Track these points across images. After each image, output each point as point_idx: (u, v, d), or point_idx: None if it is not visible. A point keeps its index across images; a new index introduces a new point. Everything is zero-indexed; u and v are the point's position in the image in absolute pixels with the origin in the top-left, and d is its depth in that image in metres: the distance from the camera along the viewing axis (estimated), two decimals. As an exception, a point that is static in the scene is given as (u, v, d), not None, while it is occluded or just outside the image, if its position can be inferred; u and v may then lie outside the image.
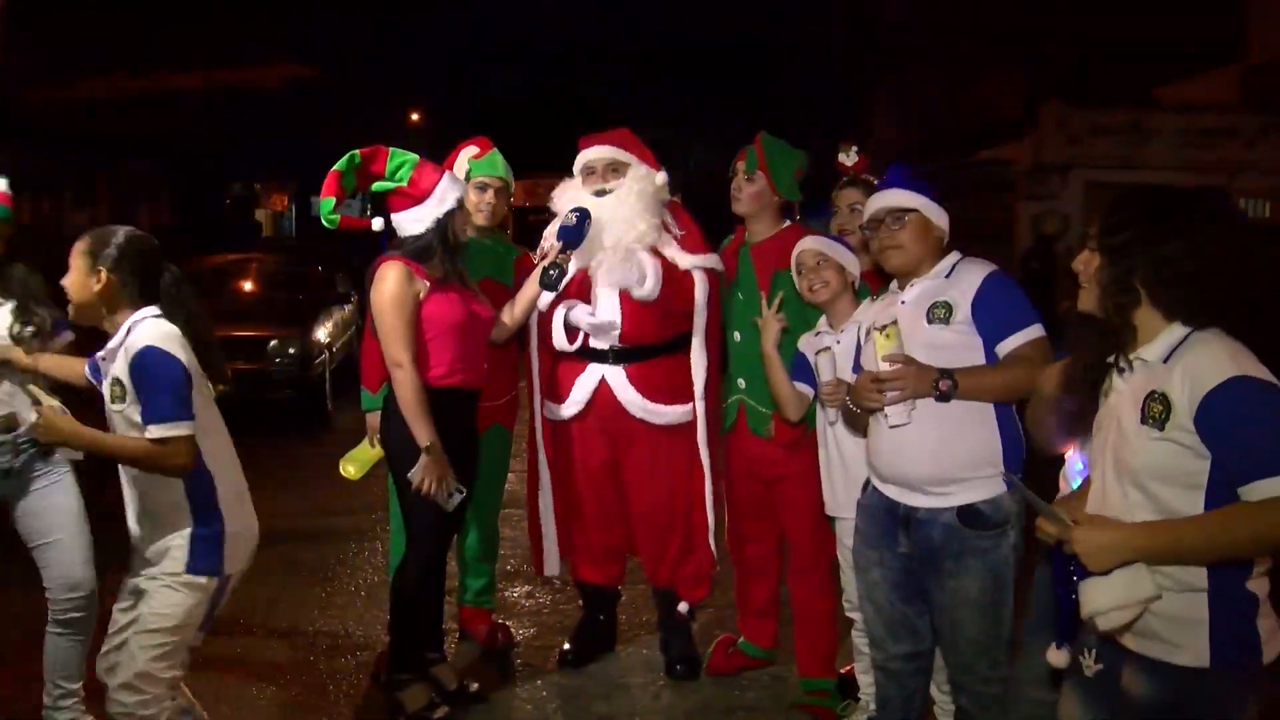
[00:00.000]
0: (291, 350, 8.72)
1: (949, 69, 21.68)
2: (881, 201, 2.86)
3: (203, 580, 2.63)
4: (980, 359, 2.71)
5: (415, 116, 27.58)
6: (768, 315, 3.37)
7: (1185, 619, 1.89)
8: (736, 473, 3.72)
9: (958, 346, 2.70)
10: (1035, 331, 2.70)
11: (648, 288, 3.54)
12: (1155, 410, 1.88)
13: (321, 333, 9.15)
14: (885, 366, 2.66)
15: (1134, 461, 1.92)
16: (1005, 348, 2.70)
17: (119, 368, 2.57)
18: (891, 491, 2.80)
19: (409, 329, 3.24)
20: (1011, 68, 20.60)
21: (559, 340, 3.67)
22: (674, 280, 3.60)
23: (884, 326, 2.83)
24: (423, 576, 3.43)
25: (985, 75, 21.17)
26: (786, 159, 3.62)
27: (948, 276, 2.79)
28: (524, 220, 14.24)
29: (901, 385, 2.64)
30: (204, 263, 10.53)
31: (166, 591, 2.61)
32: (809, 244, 3.32)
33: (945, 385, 2.63)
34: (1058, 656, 2.09)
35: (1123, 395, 1.98)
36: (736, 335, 3.67)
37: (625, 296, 3.59)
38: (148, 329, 2.58)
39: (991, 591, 2.70)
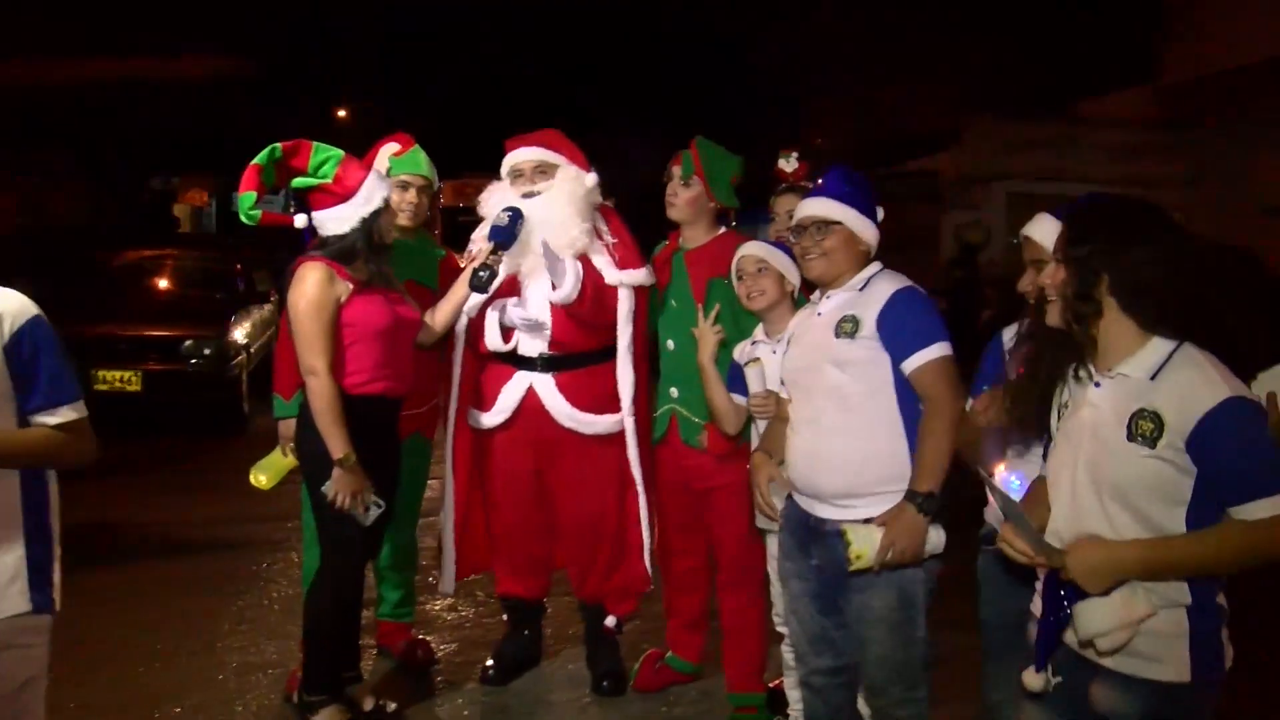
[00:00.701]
0: (207, 350, 8.43)
1: (879, 80, 21.99)
2: (808, 209, 2.82)
3: (47, 620, 2.10)
4: (887, 374, 2.68)
5: (342, 113, 27.08)
6: (704, 327, 3.29)
7: (1168, 634, 1.89)
8: (667, 484, 3.62)
9: (863, 362, 2.66)
10: (938, 351, 2.65)
11: (563, 292, 3.41)
12: (1145, 428, 1.88)
13: (239, 333, 8.85)
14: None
15: (1118, 477, 1.91)
16: (909, 366, 2.66)
17: None
18: (804, 503, 2.80)
19: (326, 334, 3.09)
20: (940, 80, 20.97)
21: (492, 340, 3.55)
22: (600, 293, 3.49)
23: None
24: (337, 594, 3.27)
25: (914, 87, 21.52)
26: (723, 164, 3.54)
27: (862, 289, 2.75)
28: (455, 221, 14.06)
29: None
30: (117, 259, 10.18)
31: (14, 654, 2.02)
32: (750, 250, 3.25)
33: None
34: (1036, 680, 2.03)
35: (1100, 410, 1.96)
36: (670, 343, 3.58)
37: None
38: (12, 298, 2.05)
39: (899, 610, 2.67)
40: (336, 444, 3.08)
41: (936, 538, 2.61)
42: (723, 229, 3.61)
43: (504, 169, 3.64)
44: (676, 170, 3.54)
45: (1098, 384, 1.98)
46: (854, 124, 21.15)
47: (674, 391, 3.56)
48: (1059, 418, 2.06)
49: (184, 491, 6.50)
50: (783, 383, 2.90)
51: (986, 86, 19.64)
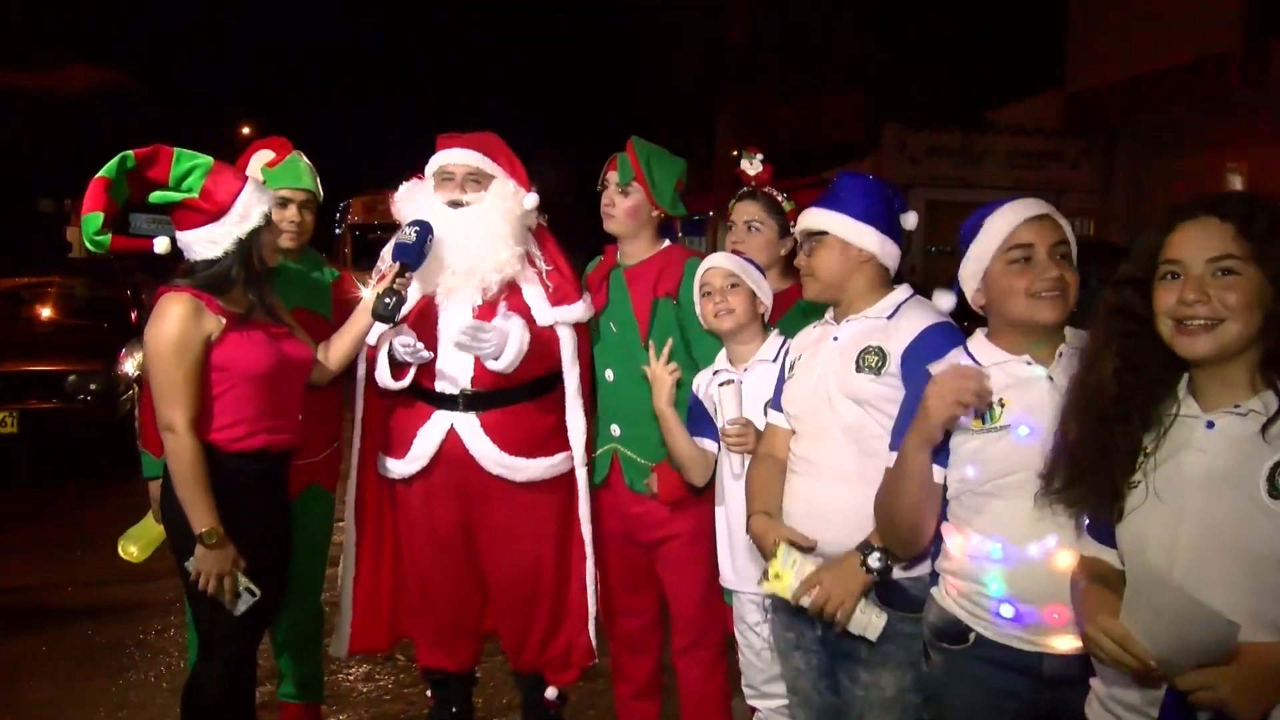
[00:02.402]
0: (93, 386, 7.69)
1: (793, 91, 21.97)
2: (800, 223, 2.49)
3: None
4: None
5: (246, 130, 26.05)
6: (657, 368, 2.84)
7: None
8: (610, 535, 3.17)
9: (886, 402, 2.25)
10: None
11: (504, 362, 2.94)
12: None
13: (130, 365, 8.09)
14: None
15: (1255, 543, 1.50)
16: None
17: None
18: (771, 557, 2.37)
19: (189, 382, 2.57)
20: (853, 90, 21.02)
21: (382, 377, 3.04)
22: (534, 334, 3.01)
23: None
24: (219, 692, 2.71)
25: (828, 97, 21.54)
26: (666, 168, 3.11)
27: (890, 317, 2.36)
28: (364, 240, 13.33)
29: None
30: (-9, 287, 9.39)
31: None
32: (720, 262, 2.84)
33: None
34: None
35: (1215, 456, 1.57)
36: (608, 374, 3.13)
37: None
38: None
39: (913, 693, 2.25)
40: (198, 516, 2.56)
41: (875, 620, 2.21)
42: (666, 241, 3.18)
43: (431, 167, 3.14)
44: (613, 176, 3.10)
45: (1210, 424, 1.61)
46: (769, 135, 21.08)
47: (615, 429, 3.11)
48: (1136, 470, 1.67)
49: (70, 544, 5.82)
50: (779, 409, 2.50)
51: (898, 96, 19.74)
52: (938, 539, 2.14)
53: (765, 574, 2.29)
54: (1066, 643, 1.93)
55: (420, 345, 2.94)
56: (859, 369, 2.30)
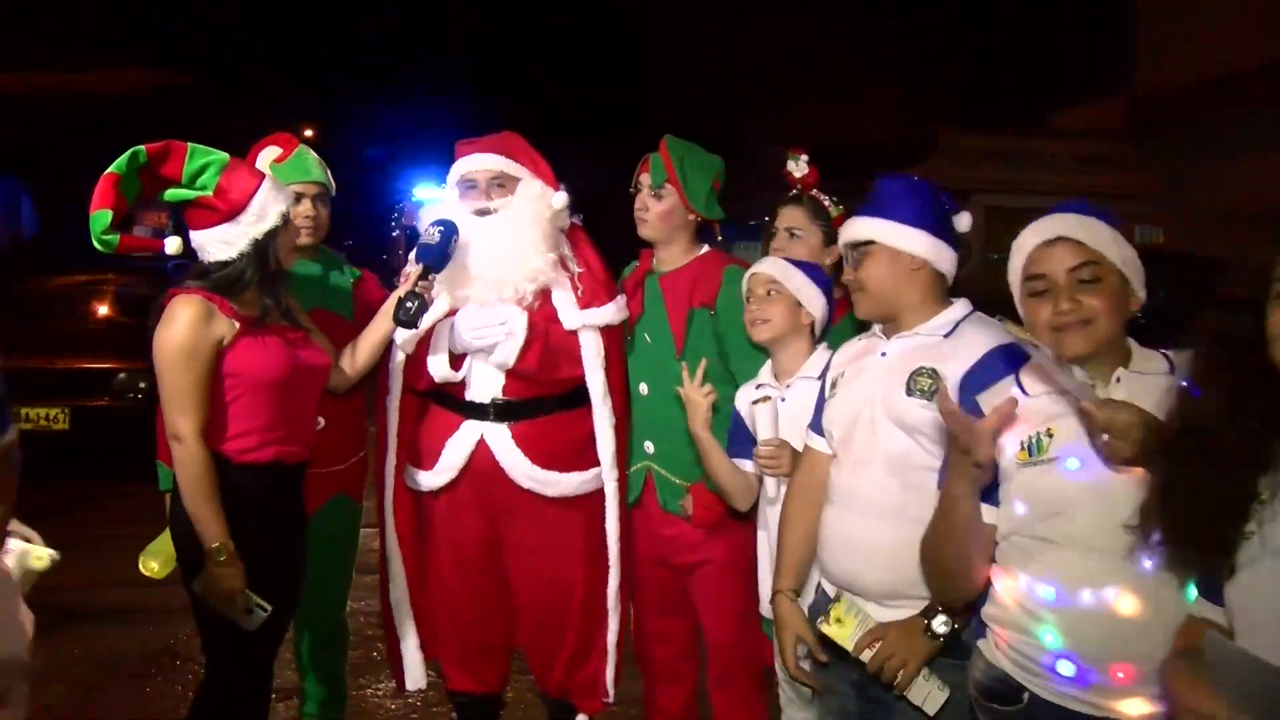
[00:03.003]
0: (143, 384, 7.70)
1: (837, 92, 21.61)
2: (842, 235, 2.30)
3: None
4: None
5: (309, 133, 26.17)
6: (690, 390, 2.65)
7: None
8: (642, 557, 3.01)
9: (937, 432, 2.04)
10: None
11: (501, 355, 2.82)
12: None
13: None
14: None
15: None
16: None
17: None
18: (829, 596, 2.21)
19: (199, 389, 2.46)
20: (902, 92, 20.64)
21: (438, 368, 2.89)
22: (554, 342, 2.87)
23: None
24: (230, 711, 2.59)
25: (874, 99, 21.15)
26: (702, 168, 2.95)
27: (947, 335, 2.16)
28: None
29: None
30: (47, 284, 9.46)
31: None
32: (763, 266, 2.68)
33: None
34: None
35: None
36: (642, 387, 2.98)
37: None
38: None
39: None
40: (207, 530, 2.45)
41: (937, 692, 2.02)
42: (705, 247, 3.02)
43: (451, 178, 3.01)
44: (645, 179, 2.95)
45: None
46: (820, 137, 20.79)
47: (649, 446, 2.96)
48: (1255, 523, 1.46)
49: (110, 544, 5.73)
50: (819, 432, 2.32)
51: (958, 98, 19.37)
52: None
53: (827, 614, 2.11)
54: (1136, 707, 1.70)
55: (492, 321, 2.82)
56: (909, 392, 2.11)
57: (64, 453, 7.42)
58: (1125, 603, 1.71)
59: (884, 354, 2.22)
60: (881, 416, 2.14)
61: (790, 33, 21.89)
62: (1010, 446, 1.87)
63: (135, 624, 4.64)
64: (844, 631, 2.10)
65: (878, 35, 20.10)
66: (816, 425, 2.35)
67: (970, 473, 1.81)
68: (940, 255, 2.23)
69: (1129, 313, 1.88)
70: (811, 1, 21.14)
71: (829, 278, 2.70)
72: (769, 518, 2.60)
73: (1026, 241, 1.91)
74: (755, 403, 2.49)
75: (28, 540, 2.26)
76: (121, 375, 7.71)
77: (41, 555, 2.25)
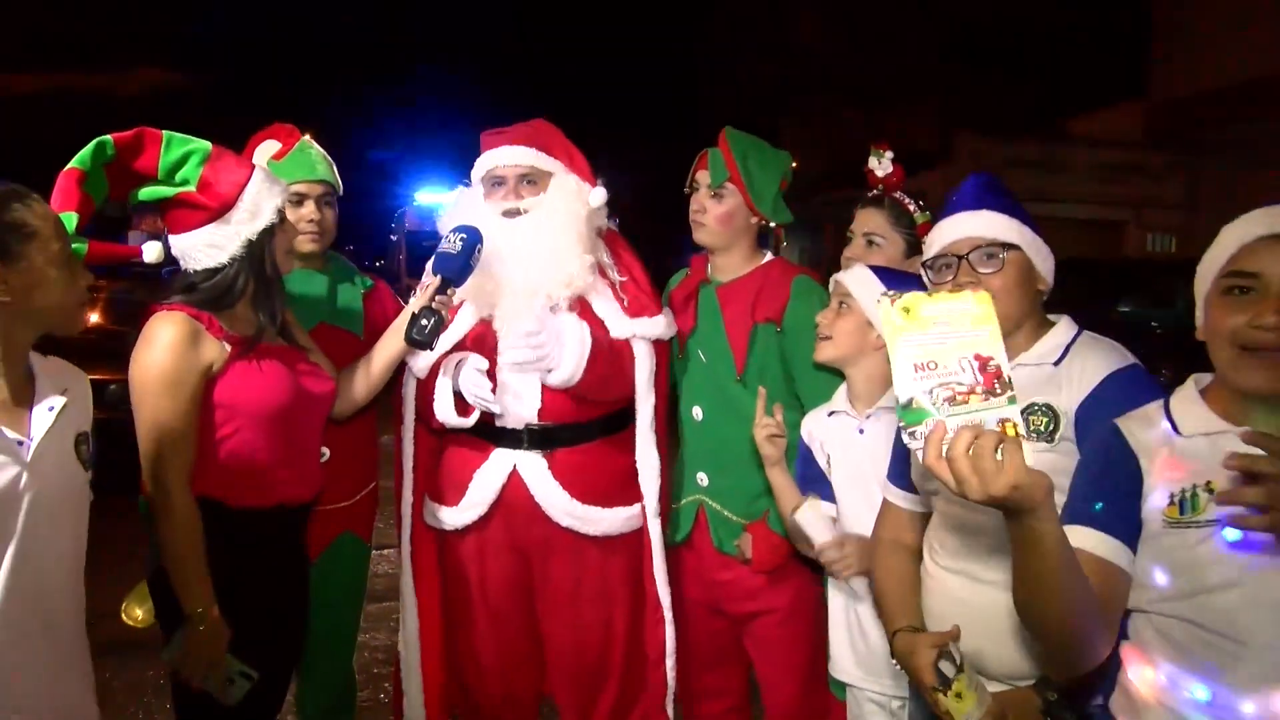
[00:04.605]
0: (137, 394, 7.39)
1: (860, 97, 21.33)
2: (965, 228, 1.89)
3: None
4: None
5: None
6: (761, 428, 2.29)
7: None
8: (691, 603, 2.67)
9: (1061, 478, 1.67)
10: None
11: (564, 374, 2.45)
12: None
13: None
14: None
15: None
16: None
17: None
18: (950, 672, 1.83)
19: (185, 425, 2.08)
20: (923, 97, 20.36)
21: (444, 412, 2.56)
22: (607, 354, 2.53)
23: (795, 509, 2.18)
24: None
25: (897, 105, 20.87)
26: (768, 165, 2.61)
27: (1057, 363, 1.82)
28: (419, 248, 12.91)
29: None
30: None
31: None
32: (843, 275, 2.33)
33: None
34: None
35: None
36: (695, 411, 2.64)
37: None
38: None
39: None
40: (189, 593, 2.07)
41: None
42: (767, 255, 2.68)
43: (477, 173, 2.66)
44: (703, 176, 2.61)
45: None
46: (832, 144, 20.49)
47: (702, 477, 2.62)
48: None
49: (107, 569, 5.42)
50: (901, 485, 1.98)
51: (973, 104, 19.07)
52: (1114, 659, 1.58)
53: (946, 686, 1.77)
54: None
55: (490, 387, 2.46)
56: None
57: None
58: None
59: None
60: None
61: (811, 37, 21.61)
62: (1158, 497, 1.53)
63: (126, 658, 4.29)
64: (963, 707, 1.77)
65: (897, 42, 19.81)
66: (897, 475, 2.03)
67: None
68: (1050, 278, 1.92)
69: None
70: (831, 8, 20.86)
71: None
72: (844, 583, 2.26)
73: (1244, 230, 1.53)
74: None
75: None
76: (113, 387, 7.33)
77: None
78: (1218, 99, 14.91)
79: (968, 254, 1.86)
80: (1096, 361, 1.79)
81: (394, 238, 13.92)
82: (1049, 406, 1.76)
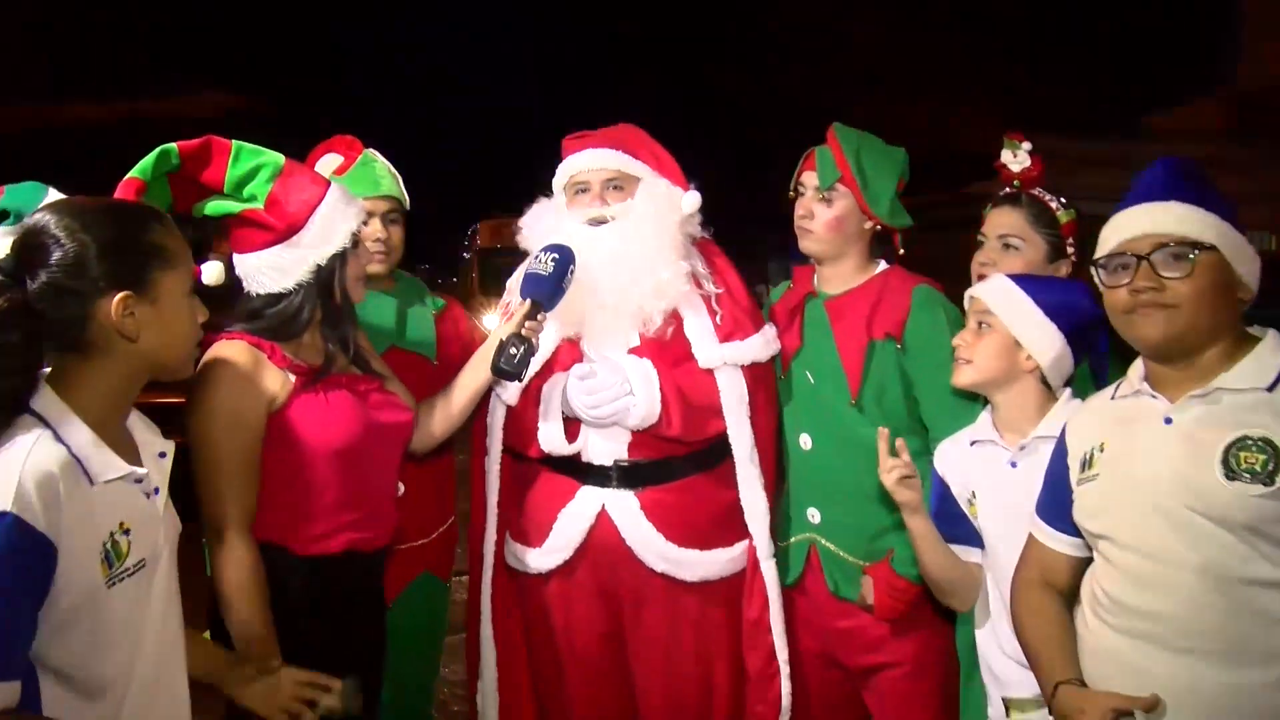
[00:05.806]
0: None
1: (925, 96, 20.89)
2: (1149, 222, 1.61)
3: None
4: None
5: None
6: (888, 471, 1.98)
7: None
8: (804, 653, 2.39)
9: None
10: None
11: (638, 416, 2.23)
12: None
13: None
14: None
15: None
16: None
17: None
18: None
19: (246, 466, 1.88)
20: (992, 95, 19.87)
21: (550, 438, 2.31)
22: (695, 385, 2.29)
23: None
24: None
25: (963, 103, 20.42)
26: (883, 163, 2.34)
27: (1271, 387, 1.52)
28: (490, 264, 12.63)
29: None
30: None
31: None
32: (979, 289, 2.05)
33: None
34: None
35: None
36: (804, 439, 2.36)
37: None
38: None
39: None
40: (246, 649, 1.86)
41: None
42: (882, 264, 2.40)
43: (559, 180, 2.44)
44: (811, 178, 2.34)
45: None
46: (908, 141, 20.13)
47: (813, 514, 2.34)
48: None
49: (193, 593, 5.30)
50: (1056, 525, 1.70)
51: (1048, 101, 18.54)
52: None
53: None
54: None
55: (615, 397, 2.24)
56: (1231, 474, 1.48)
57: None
58: None
59: (1169, 420, 1.58)
60: (1181, 507, 1.51)
61: (884, 34, 21.22)
62: None
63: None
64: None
65: (967, 38, 19.37)
66: (1050, 512, 1.75)
67: None
68: (1255, 285, 1.62)
69: None
70: (906, 4, 20.49)
71: (1089, 305, 1.96)
72: (996, 616, 1.97)
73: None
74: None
75: None
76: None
77: None
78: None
79: (1149, 254, 1.58)
80: None
81: (466, 255, 13.76)
82: (1267, 441, 1.46)
